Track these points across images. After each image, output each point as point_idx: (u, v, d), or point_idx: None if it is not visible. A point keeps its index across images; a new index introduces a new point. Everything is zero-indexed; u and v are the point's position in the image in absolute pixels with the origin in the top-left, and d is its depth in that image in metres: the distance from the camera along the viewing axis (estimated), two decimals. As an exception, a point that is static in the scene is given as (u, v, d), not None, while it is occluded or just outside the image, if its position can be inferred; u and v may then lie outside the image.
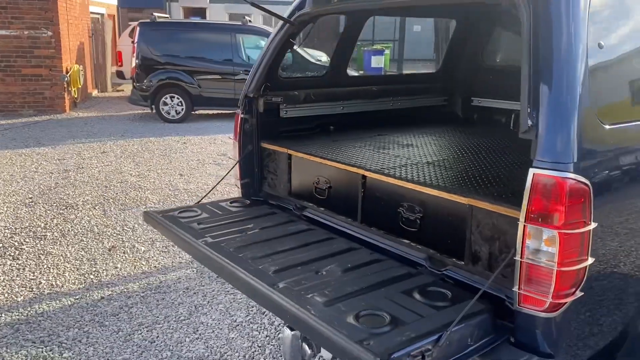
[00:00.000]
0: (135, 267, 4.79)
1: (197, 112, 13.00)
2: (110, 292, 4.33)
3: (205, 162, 8.64)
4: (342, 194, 3.22)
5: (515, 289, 2.12)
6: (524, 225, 2.07)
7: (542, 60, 2.08)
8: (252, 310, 4.04)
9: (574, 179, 1.99)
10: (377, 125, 4.27)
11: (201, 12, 27.10)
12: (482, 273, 2.44)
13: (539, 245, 2.05)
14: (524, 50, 2.13)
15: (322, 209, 3.35)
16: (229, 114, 12.21)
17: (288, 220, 3.30)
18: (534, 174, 2.03)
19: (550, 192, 2.00)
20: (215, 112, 13.41)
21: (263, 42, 11.09)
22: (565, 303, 2.06)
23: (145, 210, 3.64)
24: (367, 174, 3.00)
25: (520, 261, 2.09)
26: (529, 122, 2.07)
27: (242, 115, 3.73)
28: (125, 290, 4.37)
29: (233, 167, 3.83)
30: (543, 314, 2.09)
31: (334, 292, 2.35)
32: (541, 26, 2.11)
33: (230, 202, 3.65)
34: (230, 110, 11.25)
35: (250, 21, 13.13)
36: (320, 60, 13.26)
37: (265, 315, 3.96)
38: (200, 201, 3.72)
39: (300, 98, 3.92)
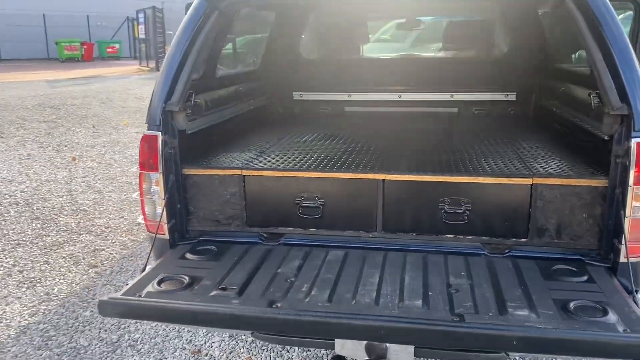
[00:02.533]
0: None
1: None
2: None
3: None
4: (348, 206, 2.86)
5: (623, 243, 2.46)
6: (631, 188, 2.42)
7: (618, 47, 2.44)
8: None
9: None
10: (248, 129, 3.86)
11: None
12: (550, 243, 2.68)
13: (644, 203, 2.44)
14: (591, 47, 2.46)
15: (314, 229, 2.89)
16: None
17: (290, 253, 2.73)
18: (637, 142, 2.39)
19: (652, 156, 2.41)
20: None
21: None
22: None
23: (108, 298, 2.30)
24: (388, 177, 2.77)
25: (630, 219, 2.44)
26: (620, 102, 2.42)
27: (162, 137, 2.78)
28: None
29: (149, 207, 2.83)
30: (635, 259, 2.50)
31: (500, 302, 2.19)
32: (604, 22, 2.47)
33: (192, 254, 2.73)
34: None
35: None
36: None
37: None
38: (144, 269, 2.63)
39: (202, 106, 3.17)
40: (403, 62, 5.07)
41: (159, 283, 2.38)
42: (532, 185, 2.65)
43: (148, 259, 2.71)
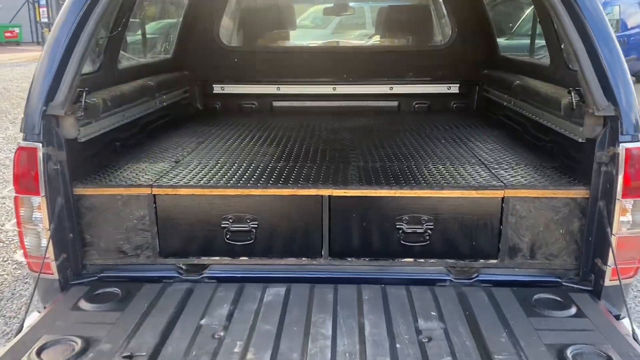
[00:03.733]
0: None
1: None
2: None
3: None
4: (287, 228, 2.35)
5: (609, 264, 2.12)
6: (618, 201, 2.07)
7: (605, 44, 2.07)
8: None
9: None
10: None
11: None
12: (523, 264, 2.31)
13: (632, 217, 2.10)
14: (572, 37, 2.08)
15: (245, 258, 2.36)
16: None
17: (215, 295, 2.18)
18: (626, 148, 2.04)
19: (643, 163, 2.07)
20: None
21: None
22: (641, 267, 2.22)
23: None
24: (335, 192, 2.28)
25: (617, 237, 2.10)
26: (605, 101, 2.05)
27: (44, 149, 2.14)
28: None
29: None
30: (626, 281, 2.18)
31: (485, 354, 1.78)
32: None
33: (88, 302, 2.12)
34: None
35: None
36: None
37: None
38: (21, 328, 1.99)
39: (99, 106, 2.53)
40: (337, 51, 4.57)
41: (39, 353, 1.76)
42: (503, 198, 2.26)
43: (27, 313, 2.07)
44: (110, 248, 2.36)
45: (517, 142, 3.07)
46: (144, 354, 1.75)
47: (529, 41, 3.94)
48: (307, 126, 3.62)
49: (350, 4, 5.39)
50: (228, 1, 4.27)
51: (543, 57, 3.33)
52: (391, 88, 4.22)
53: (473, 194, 2.27)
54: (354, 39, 7.10)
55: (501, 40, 3.99)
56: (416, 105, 4.25)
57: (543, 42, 3.19)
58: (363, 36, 7.48)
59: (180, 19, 4.06)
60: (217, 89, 4.25)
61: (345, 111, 4.17)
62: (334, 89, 4.21)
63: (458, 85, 4.20)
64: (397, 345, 1.81)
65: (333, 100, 4.24)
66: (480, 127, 3.54)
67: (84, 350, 1.78)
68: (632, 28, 14.77)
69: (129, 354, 1.74)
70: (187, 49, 4.11)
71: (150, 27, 5.47)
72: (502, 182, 2.31)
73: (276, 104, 4.29)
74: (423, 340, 1.84)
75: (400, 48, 4.47)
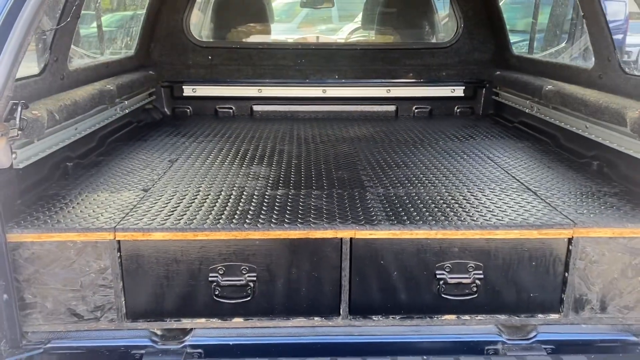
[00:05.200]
0: None
1: None
2: None
3: None
4: (295, 281, 1.81)
5: None
6: None
7: None
8: None
9: None
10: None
11: None
12: (592, 319, 1.85)
13: None
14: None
15: (240, 319, 1.82)
16: None
17: None
18: None
19: None
20: None
21: None
22: None
23: None
24: (358, 233, 1.77)
25: None
26: None
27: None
28: None
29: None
30: None
31: None
32: None
33: None
34: None
35: None
36: None
37: None
38: None
39: (42, 121, 1.93)
40: (327, 48, 4.01)
41: None
42: (571, 239, 1.78)
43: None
44: (60, 310, 1.78)
45: (552, 158, 2.61)
46: None
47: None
48: (297, 136, 3.09)
49: None
50: None
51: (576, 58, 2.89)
52: (388, 91, 3.71)
53: (535, 234, 1.78)
54: (321, 34, 6.59)
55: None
56: (416, 110, 3.76)
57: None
58: (331, 30, 6.96)
59: (144, 11, 3.43)
60: (188, 90, 3.65)
61: (337, 116, 3.65)
62: (324, 91, 3.68)
63: (463, 87, 3.72)
64: None
65: (323, 104, 3.71)
66: (499, 137, 3.07)
67: None
68: None
69: None
70: (152, 45, 3.51)
71: (105, 19, 4.81)
72: (569, 219, 1.83)
73: (257, 107, 3.72)
74: None
75: (399, 45, 3.95)
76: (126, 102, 2.94)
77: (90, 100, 2.40)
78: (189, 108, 3.70)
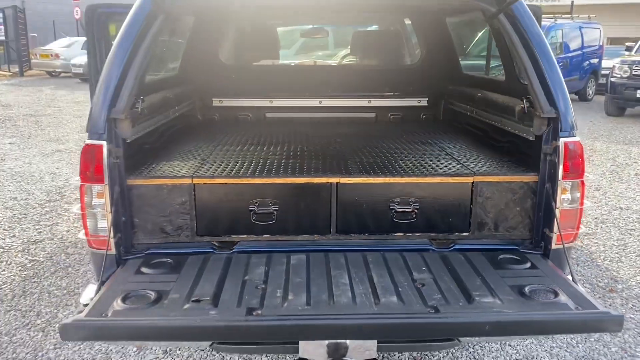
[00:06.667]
0: None
1: None
2: None
3: None
4: (303, 210, 2.89)
5: (555, 232, 2.76)
6: (560, 183, 2.72)
7: (546, 59, 2.74)
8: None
9: (579, 141, 2.78)
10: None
11: None
12: (489, 236, 2.92)
13: (570, 195, 2.76)
14: (523, 57, 2.74)
15: (267, 235, 2.89)
16: None
17: (250, 260, 2.71)
18: (565, 142, 2.70)
19: (577, 153, 2.73)
20: None
21: None
22: (578, 233, 2.87)
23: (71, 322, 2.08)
24: (342, 180, 2.85)
25: (560, 209, 2.74)
26: (549, 106, 2.72)
27: (107, 146, 2.62)
28: None
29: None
30: (568, 244, 2.82)
31: (465, 292, 2.36)
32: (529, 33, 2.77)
33: (148, 268, 2.60)
34: None
35: None
36: None
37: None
38: (99, 288, 2.45)
39: (139, 113, 3.03)
40: (322, 70, 5.21)
41: (124, 300, 2.24)
42: (473, 183, 2.87)
43: (101, 276, 2.53)
44: (155, 229, 2.83)
45: (480, 143, 3.73)
46: (207, 298, 2.26)
47: (483, 62, 4.66)
48: (300, 133, 4.19)
49: (325, 27, 6.05)
50: (227, 25, 4.84)
51: (497, 75, 4.02)
52: (369, 101, 4.85)
53: (449, 180, 2.87)
54: (318, 59, 7.77)
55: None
56: (391, 116, 4.90)
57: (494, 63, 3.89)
58: (325, 57, 8.12)
59: (185, 40, 4.57)
60: (216, 102, 4.79)
61: (330, 121, 4.76)
62: (320, 102, 4.81)
63: (427, 99, 4.87)
64: (399, 289, 2.37)
65: (319, 112, 4.83)
66: (448, 133, 4.19)
67: (158, 299, 2.27)
68: (574, 50, 16.07)
69: (196, 298, 2.25)
70: (191, 67, 4.63)
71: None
72: (471, 170, 2.94)
73: (269, 115, 4.85)
74: (418, 285, 2.41)
75: (378, 67, 5.15)
76: (176, 107, 4.05)
77: (159, 103, 3.50)
78: (216, 115, 4.83)
